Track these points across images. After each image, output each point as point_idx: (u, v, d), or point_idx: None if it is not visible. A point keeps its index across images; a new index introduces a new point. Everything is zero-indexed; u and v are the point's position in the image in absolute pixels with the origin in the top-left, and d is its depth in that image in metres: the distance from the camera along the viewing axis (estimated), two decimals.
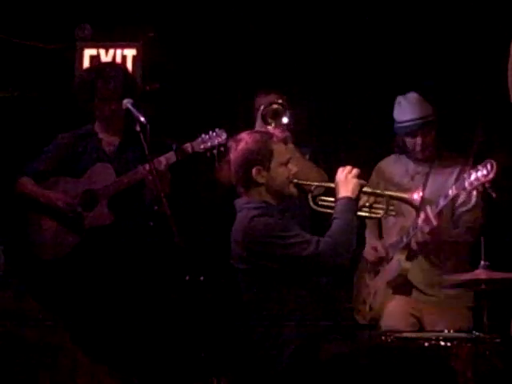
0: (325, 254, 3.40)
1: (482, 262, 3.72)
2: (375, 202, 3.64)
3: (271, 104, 4.17)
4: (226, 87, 4.91)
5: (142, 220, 4.16)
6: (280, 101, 4.18)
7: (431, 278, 4.21)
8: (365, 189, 3.61)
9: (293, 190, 3.61)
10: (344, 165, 3.64)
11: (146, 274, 4.16)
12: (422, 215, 3.98)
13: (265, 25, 4.92)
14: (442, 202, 3.95)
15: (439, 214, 3.97)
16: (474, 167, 3.75)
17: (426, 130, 4.23)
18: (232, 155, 3.61)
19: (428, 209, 3.96)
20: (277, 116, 4.14)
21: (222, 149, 4.17)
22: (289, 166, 3.61)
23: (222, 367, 2.95)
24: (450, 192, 3.90)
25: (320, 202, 3.68)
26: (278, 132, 3.78)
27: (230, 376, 2.97)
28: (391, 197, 3.69)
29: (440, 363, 3.27)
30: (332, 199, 3.62)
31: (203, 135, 4.22)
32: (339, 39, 4.87)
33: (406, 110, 4.25)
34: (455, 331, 3.56)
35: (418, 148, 4.25)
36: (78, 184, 4.25)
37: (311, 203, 3.67)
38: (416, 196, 3.66)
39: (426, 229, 3.99)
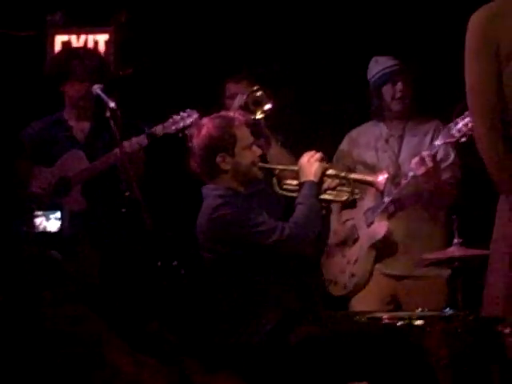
0: (289, 240, 3.39)
1: (456, 240, 3.74)
2: (340, 185, 3.62)
3: (253, 92, 4.14)
4: (197, 70, 4.88)
5: (116, 206, 4.15)
6: (258, 88, 4.14)
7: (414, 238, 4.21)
8: (328, 172, 3.58)
9: (258, 172, 3.57)
10: (315, 149, 3.63)
11: (120, 261, 4.16)
12: (415, 160, 3.98)
13: (237, 9, 4.89)
14: (434, 148, 3.97)
15: (434, 157, 3.97)
16: (460, 116, 3.77)
17: (406, 75, 4.22)
18: (194, 142, 3.55)
19: (424, 152, 3.96)
20: (259, 104, 4.12)
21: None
22: (253, 148, 3.57)
23: (191, 352, 2.94)
24: (438, 142, 3.94)
25: (284, 186, 3.66)
26: (239, 115, 3.71)
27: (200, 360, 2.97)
28: (355, 180, 3.66)
29: (413, 343, 3.27)
30: (296, 182, 3.60)
31: (174, 116, 4.20)
32: (310, 18, 4.85)
33: (383, 61, 4.26)
34: (429, 310, 3.57)
35: (398, 95, 4.21)
36: (51, 172, 4.23)
37: (276, 187, 3.66)
38: (381, 178, 3.65)
39: (420, 171, 3.97)
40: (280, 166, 3.68)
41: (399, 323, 3.34)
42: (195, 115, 4.17)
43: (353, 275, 4.20)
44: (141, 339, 2.97)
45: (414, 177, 4.02)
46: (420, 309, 3.53)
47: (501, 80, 2.82)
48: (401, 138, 4.29)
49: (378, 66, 4.27)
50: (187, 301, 3.75)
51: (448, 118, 3.95)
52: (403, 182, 4.08)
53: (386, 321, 3.39)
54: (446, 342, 3.31)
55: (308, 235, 3.45)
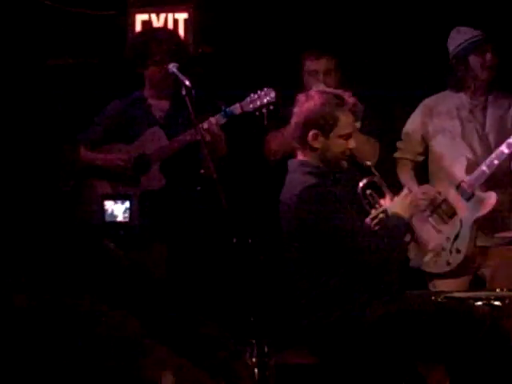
0: (365, 252, 3.33)
1: None
2: None
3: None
4: (276, 48, 4.86)
5: (192, 184, 4.19)
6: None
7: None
8: None
9: (344, 164, 3.49)
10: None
11: (196, 239, 4.19)
12: None
13: None
14: None
15: None
16: None
17: (493, 44, 4.17)
18: (296, 109, 3.50)
19: None
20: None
21: (272, 107, 4.14)
22: (349, 140, 3.47)
23: (263, 330, 2.95)
24: None
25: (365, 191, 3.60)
26: (349, 98, 3.64)
27: (270, 339, 2.98)
28: None
29: (492, 323, 3.22)
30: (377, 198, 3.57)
31: (252, 94, 4.19)
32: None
33: (467, 31, 4.20)
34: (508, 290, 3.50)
35: (488, 63, 4.16)
36: (131, 149, 4.29)
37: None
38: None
39: None
40: (372, 169, 3.61)
41: (477, 303, 3.30)
42: (273, 94, 4.17)
43: (458, 251, 4.11)
44: (194, 343, 3.00)
45: None
46: (498, 289, 3.48)
47: None
48: (484, 109, 4.24)
49: (463, 35, 4.21)
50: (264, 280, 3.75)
51: None
52: (506, 151, 4.00)
53: (464, 301, 3.36)
54: None
55: (378, 258, 3.36)
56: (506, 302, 3.27)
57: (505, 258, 4.15)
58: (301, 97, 3.52)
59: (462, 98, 4.27)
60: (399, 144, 4.39)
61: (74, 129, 4.44)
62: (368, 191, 3.59)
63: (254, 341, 2.88)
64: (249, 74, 4.82)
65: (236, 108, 4.20)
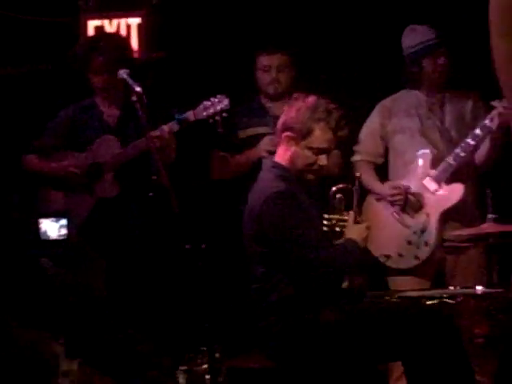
0: (317, 267, 3.30)
1: (490, 215, 3.68)
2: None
3: None
4: (230, 52, 4.86)
5: (146, 191, 4.17)
6: None
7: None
8: None
9: (310, 177, 3.46)
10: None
11: (149, 246, 4.18)
12: (491, 115, 3.96)
13: None
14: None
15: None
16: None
17: (446, 50, 4.20)
18: (292, 103, 3.46)
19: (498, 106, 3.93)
20: None
21: (225, 114, 4.14)
22: (320, 156, 3.42)
23: (216, 336, 2.95)
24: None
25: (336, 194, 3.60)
26: (337, 117, 3.48)
27: (223, 345, 2.98)
28: None
29: (444, 321, 3.23)
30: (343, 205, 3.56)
31: (205, 102, 4.17)
32: None
33: (422, 31, 4.21)
34: (461, 287, 3.53)
35: (440, 68, 4.19)
36: (84, 157, 4.26)
37: None
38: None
39: (495, 125, 3.96)
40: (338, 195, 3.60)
41: (431, 302, 3.32)
42: (226, 101, 4.14)
43: (426, 244, 4.12)
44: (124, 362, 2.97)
45: (489, 131, 3.98)
46: (452, 287, 3.51)
47: None
48: (442, 105, 4.28)
49: (418, 36, 4.23)
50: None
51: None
52: (472, 142, 4.04)
53: (418, 300, 3.38)
54: (479, 321, 3.28)
55: (328, 275, 3.33)
56: (458, 299, 3.29)
57: (464, 255, 4.17)
58: (298, 95, 3.49)
59: (419, 96, 4.30)
60: (357, 147, 4.37)
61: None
62: (338, 195, 3.59)
63: (204, 347, 2.87)
64: (203, 79, 4.82)
65: (189, 115, 4.17)
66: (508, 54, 2.44)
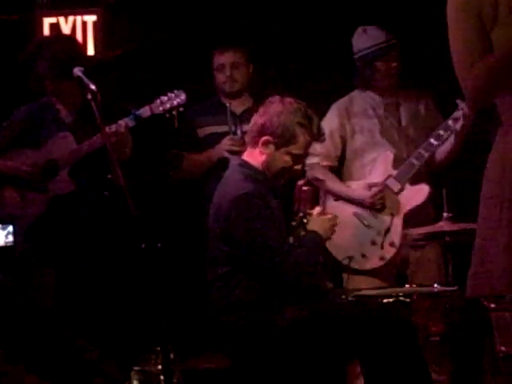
0: (282, 271, 3.27)
1: (445, 214, 3.70)
2: None
3: None
4: (188, 50, 4.84)
5: (101, 190, 4.13)
6: None
7: None
8: None
9: (281, 180, 3.46)
10: None
11: (103, 244, 4.13)
12: (454, 115, 4.00)
13: None
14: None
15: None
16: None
17: (398, 52, 4.23)
18: (264, 108, 3.42)
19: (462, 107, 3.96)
20: None
21: (182, 109, 4.11)
22: (296, 162, 3.43)
23: (170, 337, 2.92)
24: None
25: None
26: (319, 128, 3.50)
27: (178, 345, 2.95)
28: None
29: (400, 319, 3.25)
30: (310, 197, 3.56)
31: (162, 97, 4.13)
32: None
33: (374, 34, 4.23)
34: (417, 285, 3.54)
35: (392, 71, 4.22)
36: (39, 155, 4.20)
37: None
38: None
39: (459, 125, 4.00)
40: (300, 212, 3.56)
41: (386, 300, 3.33)
42: (183, 96, 4.13)
43: (392, 244, 4.12)
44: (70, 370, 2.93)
45: (452, 131, 4.02)
46: (408, 285, 3.52)
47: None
48: (397, 105, 4.31)
49: (370, 38, 4.24)
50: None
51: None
52: (435, 142, 4.06)
53: (374, 298, 3.38)
54: (435, 319, 3.30)
55: (297, 279, 3.31)
56: (414, 297, 3.30)
57: (422, 253, 4.19)
58: (275, 98, 3.44)
59: (374, 96, 4.32)
60: (314, 149, 4.31)
61: None
62: (306, 187, 3.58)
63: (158, 348, 2.84)
64: (161, 78, 4.79)
65: (145, 110, 4.13)
66: (466, 60, 2.47)
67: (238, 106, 4.49)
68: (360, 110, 4.31)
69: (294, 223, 3.46)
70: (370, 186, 4.16)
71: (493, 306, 3.21)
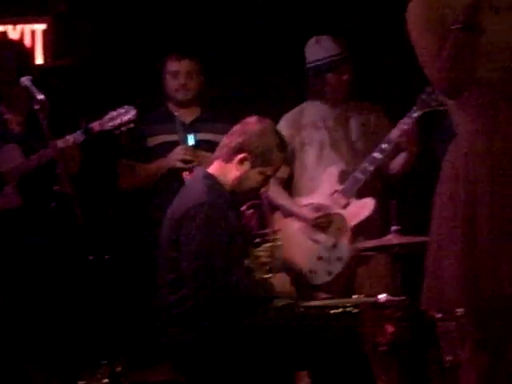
0: (229, 290, 3.26)
1: (394, 227, 3.73)
2: None
3: None
4: (137, 59, 4.82)
5: (48, 201, 4.08)
6: None
7: None
8: None
9: (246, 199, 3.51)
10: None
11: (51, 256, 4.09)
12: (395, 130, 4.05)
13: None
14: (411, 118, 4.03)
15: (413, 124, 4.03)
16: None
17: (350, 65, 4.24)
18: (242, 125, 3.45)
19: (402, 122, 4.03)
20: None
21: (132, 125, 4.08)
22: (266, 184, 3.48)
23: (119, 350, 2.91)
24: (416, 113, 4.01)
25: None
26: None
27: (125, 359, 2.93)
28: None
29: (348, 330, 3.26)
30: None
31: (111, 112, 4.09)
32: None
33: (327, 46, 4.24)
34: (365, 296, 3.57)
35: (343, 84, 4.23)
36: None
37: None
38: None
39: (401, 138, 4.04)
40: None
41: (334, 311, 3.34)
42: (133, 112, 4.08)
43: (339, 259, 4.13)
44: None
45: (395, 145, 4.06)
46: (356, 295, 3.54)
47: None
48: (347, 118, 4.32)
49: (322, 50, 4.24)
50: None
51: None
52: (379, 156, 4.08)
53: (321, 309, 3.40)
54: (382, 329, 3.32)
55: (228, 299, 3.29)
56: (362, 308, 3.32)
57: (369, 265, 4.21)
58: (253, 117, 3.47)
59: (324, 108, 4.32)
60: None
61: None
62: (249, 211, 3.62)
63: (106, 361, 2.82)
64: (111, 86, 4.76)
65: (95, 126, 4.07)
66: (430, 49, 2.51)
67: (187, 116, 4.48)
68: (310, 122, 4.31)
69: (258, 240, 3.52)
70: (316, 208, 4.18)
71: (439, 316, 3.28)
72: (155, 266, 3.43)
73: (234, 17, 4.89)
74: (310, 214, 4.17)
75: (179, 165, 4.27)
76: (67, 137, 4.01)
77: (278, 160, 3.43)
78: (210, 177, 3.41)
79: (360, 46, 4.53)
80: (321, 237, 4.17)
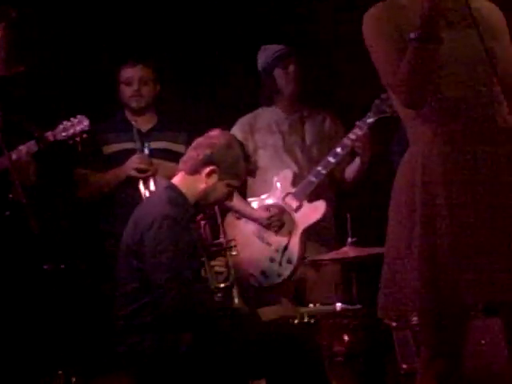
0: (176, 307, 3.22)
1: (349, 239, 3.75)
2: None
3: None
4: (92, 66, 4.78)
5: (2, 210, 4.01)
6: None
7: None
8: None
9: (210, 210, 3.52)
10: None
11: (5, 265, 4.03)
12: (353, 132, 4.06)
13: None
14: (366, 124, 4.05)
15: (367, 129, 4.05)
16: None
17: (296, 57, 4.28)
18: (209, 138, 3.46)
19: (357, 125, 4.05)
20: None
21: (85, 136, 4.02)
22: (233, 194, 3.52)
23: (74, 359, 2.87)
24: (370, 119, 4.05)
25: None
26: None
27: (78, 368, 2.90)
28: None
29: (305, 340, 3.27)
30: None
31: (65, 122, 4.00)
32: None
33: (272, 47, 4.32)
34: (321, 304, 3.57)
35: (291, 76, 4.26)
36: None
37: None
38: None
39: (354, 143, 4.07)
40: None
41: (291, 320, 3.34)
42: (86, 122, 4.01)
43: (289, 261, 4.13)
44: None
45: (348, 150, 4.09)
46: (312, 304, 3.54)
47: None
48: (302, 123, 4.35)
49: (268, 52, 4.33)
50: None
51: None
52: (332, 160, 4.10)
53: (279, 319, 3.39)
54: (338, 338, 3.33)
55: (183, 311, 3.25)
56: (318, 317, 3.32)
57: (322, 271, 4.23)
58: (216, 130, 3.50)
59: (278, 112, 4.37)
60: None
61: None
62: (203, 222, 3.62)
63: (61, 371, 2.79)
64: (65, 94, 4.71)
65: (48, 136, 3.99)
66: (389, 60, 2.53)
67: (143, 124, 4.45)
68: (264, 126, 4.35)
69: (214, 249, 3.54)
70: (268, 208, 4.20)
71: (394, 324, 3.30)
72: (111, 275, 3.40)
73: (190, 27, 4.88)
74: (262, 214, 4.19)
75: (134, 173, 4.24)
76: (20, 147, 3.93)
77: (243, 171, 3.47)
78: (173, 188, 3.41)
79: (316, 52, 4.56)
80: (273, 239, 4.18)
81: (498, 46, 2.57)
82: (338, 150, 4.11)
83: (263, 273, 4.16)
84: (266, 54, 4.32)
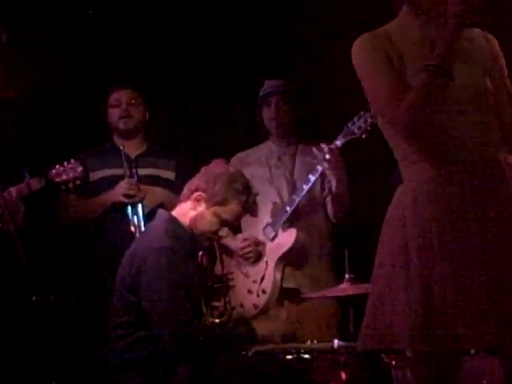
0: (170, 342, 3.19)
1: (347, 276, 3.68)
2: None
3: None
4: (82, 91, 4.72)
5: None
6: None
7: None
8: None
9: (204, 242, 3.50)
10: None
11: None
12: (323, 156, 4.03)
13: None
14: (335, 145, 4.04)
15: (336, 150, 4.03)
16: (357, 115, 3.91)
17: (280, 97, 4.28)
18: (208, 168, 3.49)
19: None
20: None
21: (78, 182, 3.99)
22: (222, 228, 3.50)
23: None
24: (339, 141, 4.02)
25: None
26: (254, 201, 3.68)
27: None
28: None
29: (302, 376, 3.20)
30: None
31: (57, 166, 3.95)
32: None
33: (272, 83, 4.35)
34: (318, 341, 3.50)
35: (272, 115, 4.26)
36: None
37: None
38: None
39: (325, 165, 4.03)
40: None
41: (287, 357, 3.27)
42: (79, 168, 3.98)
43: (264, 292, 4.11)
44: None
45: (318, 174, 4.07)
46: (309, 341, 3.47)
47: None
48: (293, 156, 4.35)
49: (263, 87, 4.37)
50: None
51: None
52: (305, 187, 4.10)
53: (275, 354, 3.32)
54: (335, 375, 3.25)
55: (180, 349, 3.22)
56: (314, 354, 3.25)
57: (311, 308, 4.16)
58: (220, 160, 3.55)
59: (272, 146, 4.39)
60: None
61: None
62: (200, 252, 3.59)
63: None
64: (53, 120, 4.65)
65: (40, 181, 3.92)
66: (383, 89, 2.49)
67: (132, 150, 4.40)
68: (254, 159, 4.37)
69: (216, 285, 3.56)
70: (244, 239, 4.20)
71: (394, 363, 3.23)
72: (100, 305, 3.32)
73: (182, 54, 4.85)
74: (238, 245, 4.19)
75: (122, 199, 4.19)
76: (11, 189, 3.83)
77: (234, 204, 3.44)
78: (173, 220, 3.42)
79: (308, 85, 4.52)
80: (251, 270, 4.18)
81: (491, 79, 2.59)
82: (310, 176, 4.11)
83: (242, 305, 4.13)
84: (260, 92, 4.36)
